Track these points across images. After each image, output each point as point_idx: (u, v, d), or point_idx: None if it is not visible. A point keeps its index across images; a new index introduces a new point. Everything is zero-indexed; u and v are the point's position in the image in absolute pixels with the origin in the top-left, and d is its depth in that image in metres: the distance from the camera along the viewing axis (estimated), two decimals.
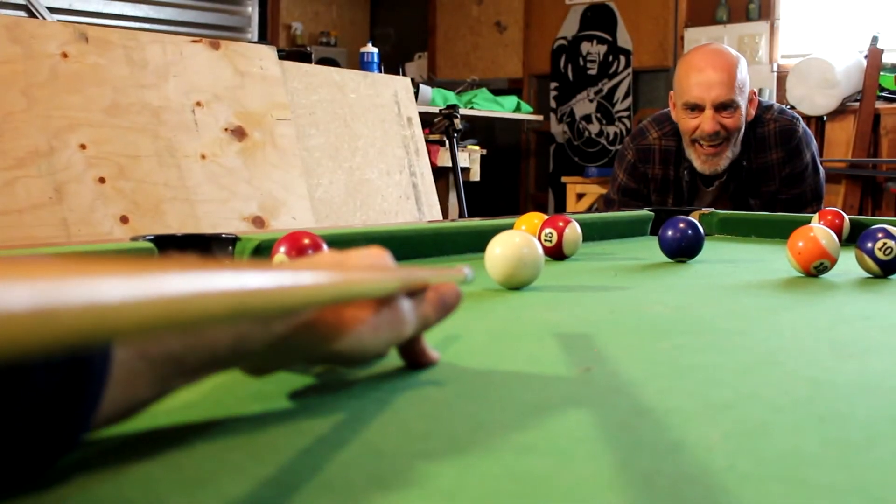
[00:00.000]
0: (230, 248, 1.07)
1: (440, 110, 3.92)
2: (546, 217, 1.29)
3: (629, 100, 5.61)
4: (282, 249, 0.91)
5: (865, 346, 0.68)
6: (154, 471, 0.38)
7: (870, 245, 1.05)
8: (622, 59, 5.64)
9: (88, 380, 0.35)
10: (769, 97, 4.71)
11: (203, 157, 2.18)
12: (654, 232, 1.67)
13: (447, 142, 3.77)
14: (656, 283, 1.07)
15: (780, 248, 1.25)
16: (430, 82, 5.22)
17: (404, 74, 4.60)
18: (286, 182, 2.31)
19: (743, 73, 2.10)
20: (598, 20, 5.75)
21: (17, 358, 0.18)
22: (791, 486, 0.36)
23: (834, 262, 1.06)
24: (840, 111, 4.44)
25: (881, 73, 4.33)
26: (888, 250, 1.04)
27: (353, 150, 2.57)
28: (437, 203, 2.82)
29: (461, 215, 3.72)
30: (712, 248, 1.41)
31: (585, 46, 5.80)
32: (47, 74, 1.98)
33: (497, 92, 5.37)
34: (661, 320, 0.79)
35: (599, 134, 5.76)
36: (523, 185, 6.28)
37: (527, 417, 0.46)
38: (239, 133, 2.26)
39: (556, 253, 1.24)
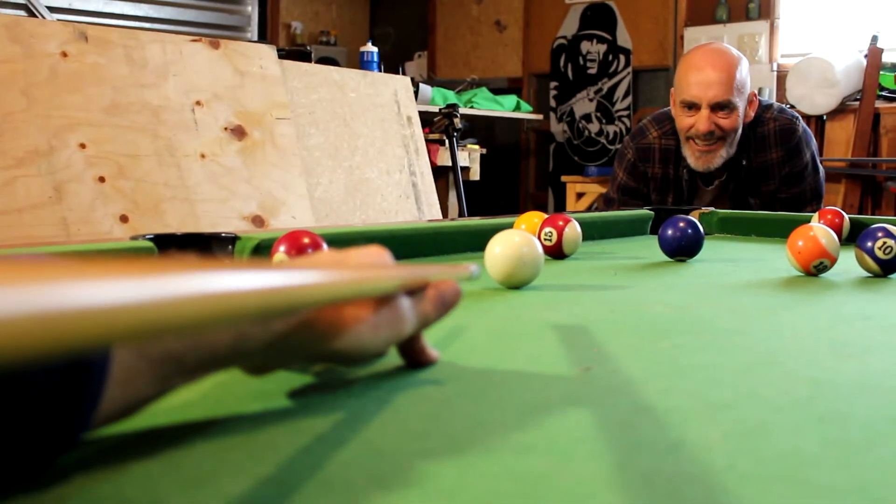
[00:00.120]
0: (230, 247, 1.07)
1: (440, 109, 3.92)
2: (546, 216, 1.29)
3: (629, 99, 5.61)
4: (281, 249, 0.91)
5: (865, 346, 0.68)
6: (153, 470, 0.38)
7: (870, 244, 1.05)
8: (622, 58, 5.64)
9: (88, 379, 0.35)
10: (769, 96, 4.71)
11: (203, 156, 2.17)
12: (653, 231, 1.67)
13: (447, 141, 3.77)
14: (656, 282, 1.07)
15: (779, 247, 1.25)
16: (430, 81, 5.22)
17: (404, 74, 4.60)
18: (286, 181, 2.31)
19: (743, 73, 2.09)
20: (598, 19, 5.75)
21: (16, 363, 0.17)
22: (791, 485, 0.36)
23: (834, 261, 1.06)
24: (840, 110, 4.44)
25: (881, 73, 4.33)
26: (888, 249, 1.04)
27: (353, 149, 2.57)
28: (437, 202, 2.82)
29: (461, 214, 3.72)
30: (712, 248, 1.41)
31: (585, 46, 5.80)
32: (47, 74, 1.98)
33: (497, 91, 5.37)
34: (661, 320, 0.79)
35: (599, 133, 5.76)
36: (523, 184, 6.28)
37: (527, 417, 0.46)
38: (239, 132, 2.26)
39: (555, 252, 1.24)
